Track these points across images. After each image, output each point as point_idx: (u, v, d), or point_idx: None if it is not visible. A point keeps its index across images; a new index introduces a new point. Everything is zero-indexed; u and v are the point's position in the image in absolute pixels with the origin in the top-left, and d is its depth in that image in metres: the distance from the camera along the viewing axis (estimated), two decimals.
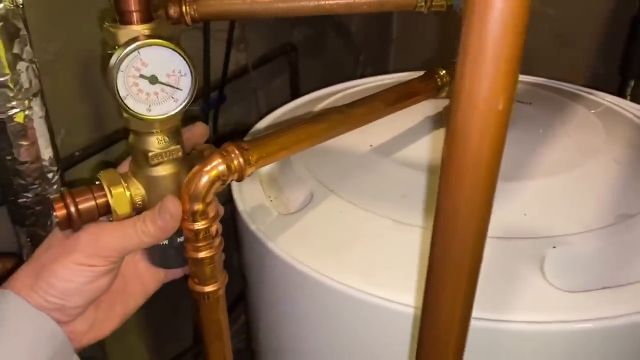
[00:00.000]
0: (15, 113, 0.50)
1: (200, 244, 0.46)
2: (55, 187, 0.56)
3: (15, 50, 0.49)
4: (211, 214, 0.46)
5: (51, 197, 0.43)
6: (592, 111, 0.70)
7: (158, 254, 0.49)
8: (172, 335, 1.12)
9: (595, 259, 0.50)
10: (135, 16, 0.42)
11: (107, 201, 0.44)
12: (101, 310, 0.47)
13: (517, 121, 0.64)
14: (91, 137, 0.87)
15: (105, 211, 0.45)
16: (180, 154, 0.45)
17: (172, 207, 0.44)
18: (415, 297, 0.47)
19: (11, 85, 0.49)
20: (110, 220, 0.46)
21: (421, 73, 0.78)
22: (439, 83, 0.59)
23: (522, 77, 0.81)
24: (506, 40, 0.22)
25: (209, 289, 0.49)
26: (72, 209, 0.43)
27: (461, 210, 0.25)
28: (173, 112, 0.43)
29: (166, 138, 0.44)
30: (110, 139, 0.90)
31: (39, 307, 0.42)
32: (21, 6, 0.48)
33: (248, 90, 1.18)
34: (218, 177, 0.45)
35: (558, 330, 0.46)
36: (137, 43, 0.41)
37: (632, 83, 1.18)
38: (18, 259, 0.64)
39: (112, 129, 0.90)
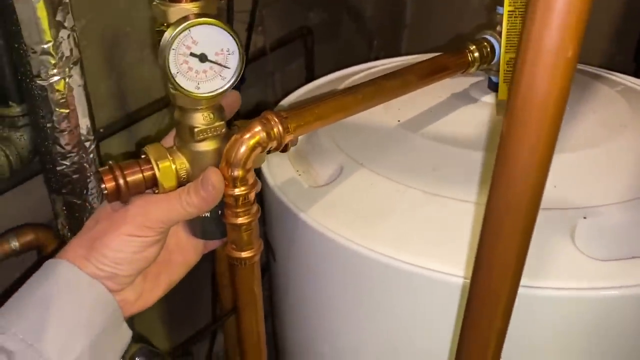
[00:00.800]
0: (57, 80, 0.51)
1: (239, 210, 0.47)
2: (91, 156, 0.56)
3: (58, 17, 0.49)
4: (251, 180, 0.47)
5: (100, 169, 0.44)
6: (615, 89, 0.71)
7: (199, 226, 0.50)
8: (190, 313, 1.13)
9: (625, 229, 0.51)
10: None
11: (154, 174, 0.45)
12: (148, 281, 0.49)
13: None
14: (114, 115, 0.88)
15: (151, 184, 0.46)
16: (224, 130, 0.47)
17: (215, 178, 0.45)
18: (454, 266, 0.48)
19: (53, 53, 0.50)
20: (156, 193, 0.47)
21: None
22: (470, 58, 0.59)
23: None
24: None
25: (246, 254, 0.50)
26: (121, 181, 0.44)
27: (523, 157, 0.26)
28: (221, 90, 0.44)
29: (211, 115, 0.45)
30: (134, 117, 0.91)
31: (93, 276, 0.44)
32: None
33: (265, 72, 1.18)
34: (258, 144, 0.46)
35: (588, 297, 0.47)
36: (189, 22, 0.41)
37: None
38: (51, 230, 0.65)
39: (136, 107, 0.91)
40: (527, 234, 0.30)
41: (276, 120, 0.46)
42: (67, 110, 0.52)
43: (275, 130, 0.46)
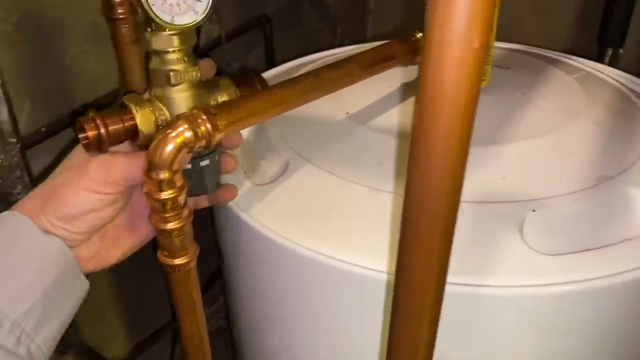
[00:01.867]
0: None
1: (168, 215, 0.44)
2: (15, 159, 0.53)
3: None
4: (178, 182, 0.44)
5: (80, 118, 0.44)
6: (572, 76, 0.69)
7: None
8: (150, 312, 1.10)
9: (575, 221, 0.49)
10: None
11: (134, 124, 0.46)
12: (106, 241, 0.48)
13: (495, 86, 0.62)
14: (58, 112, 0.84)
15: (131, 134, 0.46)
16: (198, 75, 0.47)
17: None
18: (388, 263, 0.46)
19: None
20: (135, 144, 0.47)
21: None
22: (416, 46, 0.57)
23: (501, 44, 0.79)
24: None
25: (179, 261, 0.47)
26: (102, 130, 0.44)
27: (435, 159, 0.23)
28: (195, 22, 0.46)
29: (185, 58, 0.47)
30: (80, 114, 0.87)
31: (45, 229, 0.44)
32: None
33: (222, 63, 1.15)
34: (184, 144, 0.43)
35: (538, 294, 0.45)
36: None
37: (609, 52, 1.17)
38: None
39: (82, 102, 0.87)
40: (445, 249, 0.28)
41: (204, 117, 0.43)
42: None
43: (203, 128, 0.43)
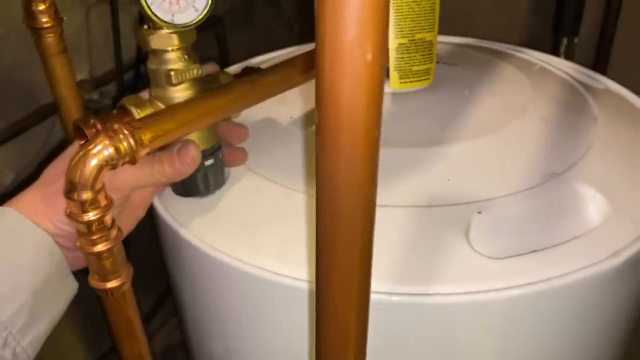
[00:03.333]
0: None
1: (94, 237, 0.42)
2: None
3: None
4: (103, 202, 0.41)
5: (79, 124, 0.42)
6: (521, 70, 0.68)
7: (180, 182, 0.49)
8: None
9: (523, 221, 0.48)
10: None
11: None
12: None
13: (441, 83, 0.61)
14: None
15: None
16: (199, 72, 0.46)
17: (194, 151, 0.45)
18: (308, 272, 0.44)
19: None
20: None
21: None
22: None
23: (451, 39, 0.78)
24: None
25: (111, 284, 0.44)
26: None
27: (341, 181, 0.21)
28: (195, 20, 0.44)
29: (186, 56, 0.45)
30: (20, 127, 0.83)
31: (51, 233, 0.43)
32: None
33: None
34: (106, 162, 0.40)
35: (487, 300, 0.44)
36: None
37: (565, 41, 1.18)
38: None
39: (21, 115, 0.84)
40: (364, 275, 0.26)
41: (126, 132, 0.40)
42: None
43: (125, 144, 0.40)
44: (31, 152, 0.85)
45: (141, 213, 0.51)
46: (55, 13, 0.55)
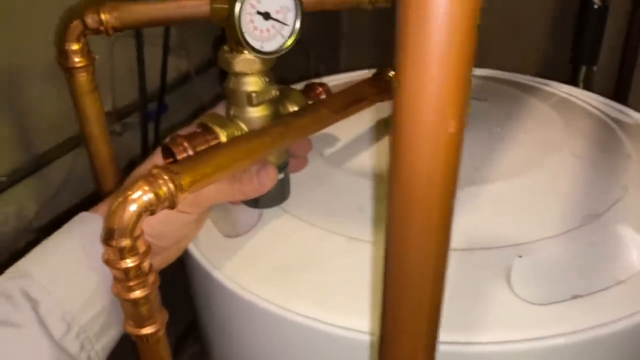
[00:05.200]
0: None
1: (132, 283, 0.41)
2: None
3: None
4: (142, 248, 0.41)
5: (166, 143, 0.44)
6: (548, 103, 0.68)
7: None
8: None
9: (565, 266, 0.47)
10: None
11: (218, 143, 0.46)
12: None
13: (473, 120, 0.60)
14: (19, 160, 0.80)
15: None
16: (277, 94, 0.48)
17: (273, 173, 0.47)
18: (370, 322, 0.43)
19: None
20: None
21: None
22: (388, 87, 0.55)
23: (476, 71, 0.78)
24: (454, 43, 0.17)
25: (147, 331, 0.43)
26: (191, 152, 0.44)
27: (414, 238, 0.21)
28: (282, 47, 0.46)
29: (266, 78, 0.47)
30: (43, 160, 0.83)
31: None
32: None
33: (192, 97, 1.12)
34: (145, 208, 0.39)
35: (530, 349, 0.42)
36: None
37: (583, 69, 1.17)
38: None
39: (44, 148, 0.84)
40: (432, 330, 0.25)
41: (165, 177, 0.40)
42: None
43: (165, 189, 0.40)
44: (54, 185, 0.85)
45: (186, 244, 0.52)
46: (88, 52, 0.55)
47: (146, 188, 0.39)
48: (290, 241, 0.51)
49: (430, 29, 0.17)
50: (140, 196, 0.39)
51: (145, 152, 0.93)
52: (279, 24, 0.45)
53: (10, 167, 0.79)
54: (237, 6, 0.42)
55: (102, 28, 0.52)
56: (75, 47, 0.53)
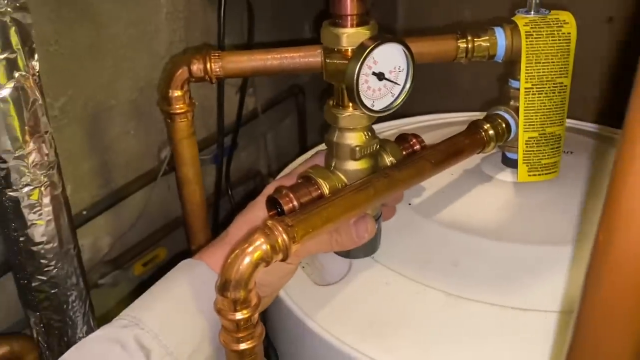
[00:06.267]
0: (31, 190, 0.45)
1: (240, 335, 0.41)
2: (74, 264, 0.50)
3: (30, 122, 0.44)
4: (254, 301, 0.41)
5: (273, 195, 0.45)
6: None
7: None
8: None
9: None
10: (357, 19, 0.44)
11: (320, 194, 0.46)
12: None
13: (562, 173, 0.60)
14: (99, 193, 0.82)
15: None
16: (377, 147, 0.49)
17: (371, 226, 0.48)
18: None
19: (25, 160, 0.44)
20: None
21: (458, 116, 0.75)
22: (485, 139, 0.55)
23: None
24: None
25: None
26: (295, 203, 0.45)
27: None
28: (392, 106, 0.47)
29: (369, 133, 0.48)
30: (120, 194, 0.85)
31: None
32: (37, 74, 0.43)
33: (257, 134, 1.14)
34: (262, 259, 0.40)
35: None
36: (376, 42, 0.43)
37: None
38: (29, 340, 0.58)
39: (122, 183, 0.86)
40: None
41: (280, 229, 0.40)
42: (43, 222, 0.46)
43: (280, 240, 0.40)
44: (129, 220, 0.87)
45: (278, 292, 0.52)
46: (190, 99, 0.56)
47: (262, 240, 0.40)
48: (384, 293, 0.51)
49: None
50: (257, 247, 0.40)
51: (219, 189, 0.95)
52: (391, 83, 0.46)
53: (91, 201, 0.81)
54: (357, 66, 0.43)
55: (206, 77, 0.54)
56: (178, 93, 0.55)
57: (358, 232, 0.47)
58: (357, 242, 0.48)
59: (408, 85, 0.46)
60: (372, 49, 0.43)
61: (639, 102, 0.20)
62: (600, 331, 0.24)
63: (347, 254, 0.53)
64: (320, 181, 0.47)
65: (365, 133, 0.48)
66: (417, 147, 0.53)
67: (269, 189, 0.49)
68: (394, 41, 0.44)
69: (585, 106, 1.28)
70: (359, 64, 0.43)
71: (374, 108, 0.46)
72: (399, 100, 0.47)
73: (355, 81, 0.43)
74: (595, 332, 0.23)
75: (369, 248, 0.52)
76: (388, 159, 0.51)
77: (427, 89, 1.52)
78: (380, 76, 0.45)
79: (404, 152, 0.53)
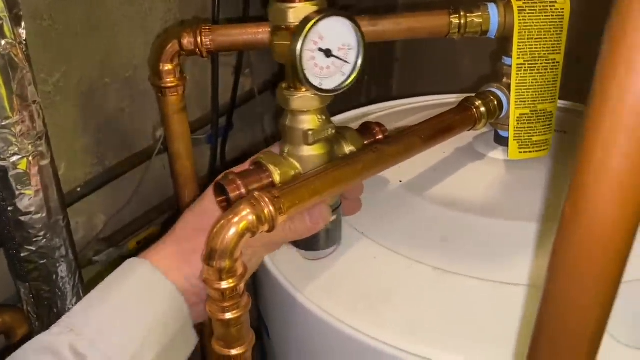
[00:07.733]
0: (18, 159, 0.45)
1: (226, 304, 0.41)
2: (63, 236, 0.50)
3: (18, 91, 0.44)
4: (239, 270, 0.41)
5: (220, 181, 0.43)
6: None
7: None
8: None
9: None
10: None
11: (271, 181, 0.45)
12: None
13: (552, 152, 0.60)
14: (93, 171, 0.83)
15: None
16: (333, 132, 0.46)
17: (326, 212, 0.46)
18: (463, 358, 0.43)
19: (13, 130, 0.44)
20: None
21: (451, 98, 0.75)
22: (476, 115, 0.54)
23: None
24: None
25: (235, 351, 0.44)
26: (243, 190, 0.43)
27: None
28: (342, 85, 0.45)
29: (322, 117, 0.46)
30: (115, 172, 0.85)
31: (181, 289, 0.44)
32: (24, 43, 0.43)
33: (254, 115, 1.14)
34: (247, 229, 0.40)
35: None
36: (319, 15, 0.41)
37: None
38: (20, 312, 0.58)
39: (116, 161, 0.86)
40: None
41: (267, 200, 0.41)
42: (31, 191, 0.46)
43: (266, 211, 0.40)
44: (123, 198, 0.87)
45: (254, 268, 0.51)
46: (180, 73, 0.56)
47: (248, 210, 0.40)
48: (373, 268, 0.51)
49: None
50: (243, 217, 0.40)
51: (214, 169, 0.95)
52: (340, 61, 0.44)
53: (85, 178, 0.81)
54: (299, 43, 0.41)
55: (197, 50, 0.53)
56: (169, 67, 0.55)
57: (312, 218, 0.46)
58: (311, 229, 0.46)
59: (359, 64, 0.44)
60: (315, 22, 0.41)
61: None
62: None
63: (305, 246, 0.51)
64: (272, 167, 0.45)
65: (319, 117, 0.46)
66: (380, 136, 0.51)
67: (219, 178, 0.46)
68: (340, 15, 0.42)
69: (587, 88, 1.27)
70: (302, 37, 0.41)
71: (323, 87, 0.43)
72: (350, 79, 0.45)
73: (299, 56, 0.41)
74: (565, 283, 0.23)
75: (329, 240, 0.50)
76: (347, 148, 0.49)
77: (429, 73, 1.52)
78: (327, 53, 0.43)
79: (365, 142, 0.50)
